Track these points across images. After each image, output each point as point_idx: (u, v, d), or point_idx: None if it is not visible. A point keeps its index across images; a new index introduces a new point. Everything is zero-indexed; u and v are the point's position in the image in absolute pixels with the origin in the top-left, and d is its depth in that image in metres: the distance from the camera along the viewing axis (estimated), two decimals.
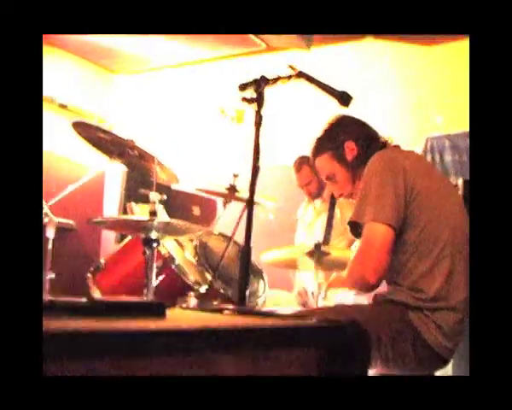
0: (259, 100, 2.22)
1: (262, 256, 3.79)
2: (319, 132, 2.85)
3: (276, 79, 2.35)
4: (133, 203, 3.40)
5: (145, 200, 3.37)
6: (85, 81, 6.87)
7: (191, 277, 3.07)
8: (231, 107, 6.35)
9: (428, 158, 5.71)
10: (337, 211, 4.71)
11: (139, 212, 3.35)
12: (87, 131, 3.01)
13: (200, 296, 3.09)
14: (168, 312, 0.90)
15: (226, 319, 0.90)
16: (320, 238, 4.62)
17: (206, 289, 3.12)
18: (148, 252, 2.56)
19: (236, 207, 3.92)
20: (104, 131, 2.99)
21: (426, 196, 2.54)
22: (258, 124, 2.21)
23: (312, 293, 4.70)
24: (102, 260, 3.18)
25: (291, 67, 2.48)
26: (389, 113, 5.81)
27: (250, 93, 2.23)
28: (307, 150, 2.92)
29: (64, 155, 6.58)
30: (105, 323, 0.74)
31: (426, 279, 2.49)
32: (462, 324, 2.51)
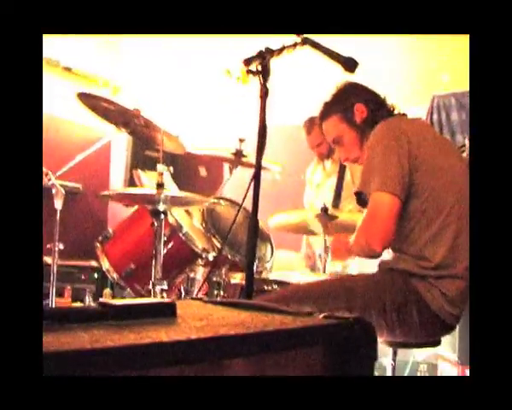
0: (265, 72, 2.20)
1: (269, 220, 3.79)
2: (327, 96, 2.85)
3: (281, 50, 2.32)
4: (140, 171, 3.40)
5: (152, 166, 3.39)
6: (90, 43, 6.82)
7: (199, 244, 3.09)
8: (237, 67, 6.31)
9: (435, 116, 5.70)
10: (347, 172, 4.71)
11: (146, 180, 3.36)
12: (92, 101, 3.00)
13: (208, 264, 3.12)
14: (178, 309, 0.91)
15: (234, 319, 0.91)
16: (329, 200, 4.64)
17: (214, 257, 3.14)
18: (156, 223, 2.56)
19: (242, 172, 3.93)
20: (109, 102, 2.98)
21: (430, 165, 2.55)
22: (263, 97, 2.20)
23: (320, 256, 4.74)
24: (110, 230, 3.19)
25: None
26: (396, 72, 5.76)
27: (255, 66, 2.21)
28: (315, 110, 2.91)
29: (69, 119, 6.58)
30: (115, 334, 0.75)
31: (430, 247, 2.51)
32: (467, 291, 2.53)
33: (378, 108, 2.77)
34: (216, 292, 2.80)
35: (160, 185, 2.55)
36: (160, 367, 0.70)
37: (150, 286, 2.57)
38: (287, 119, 6.02)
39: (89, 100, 2.99)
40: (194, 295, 2.87)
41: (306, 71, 6.00)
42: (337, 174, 4.74)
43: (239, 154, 3.82)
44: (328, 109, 2.83)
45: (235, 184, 3.96)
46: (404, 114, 2.82)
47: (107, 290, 5.32)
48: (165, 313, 0.86)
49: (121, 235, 3.19)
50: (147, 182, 3.39)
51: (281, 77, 2.37)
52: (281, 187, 5.10)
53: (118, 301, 0.87)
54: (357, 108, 2.75)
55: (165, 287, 2.63)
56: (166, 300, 0.88)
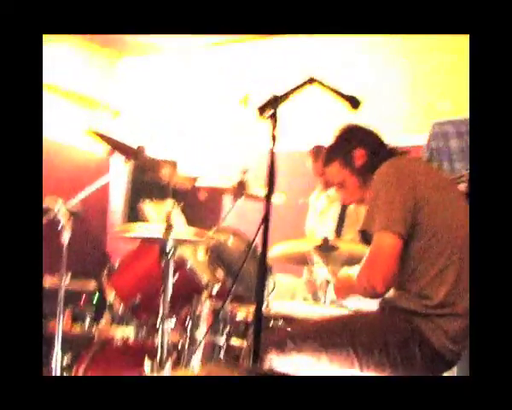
0: (274, 121, 2.26)
1: (269, 251, 3.83)
2: (329, 141, 2.93)
3: (288, 94, 2.38)
4: (146, 203, 3.45)
5: (155, 193, 3.45)
6: (89, 66, 6.88)
7: (204, 277, 3.14)
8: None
9: (433, 144, 5.74)
10: None
11: (153, 212, 3.41)
12: (100, 137, 3.06)
13: (212, 296, 3.16)
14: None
15: None
16: (332, 228, 4.70)
17: (218, 288, 3.19)
18: (164, 260, 2.62)
19: (245, 203, 3.99)
20: (114, 140, 3.04)
21: (433, 206, 2.61)
22: (273, 142, 2.26)
23: (321, 285, 4.78)
24: (117, 262, 3.24)
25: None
26: (397, 100, 5.83)
27: (267, 113, 2.27)
28: (319, 138, 2.98)
29: (72, 145, 6.63)
30: None
31: (433, 286, 2.57)
32: (467, 330, 2.58)
33: (378, 151, 2.84)
34: (222, 327, 2.85)
35: (168, 225, 2.61)
36: None
37: (158, 324, 2.62)
38: (288, 145, 6.08)
39: (97, 136, 3.05)
40: (201, 331, 2.92)
41: (310, 99, 6.08)
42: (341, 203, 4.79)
43: (242, 185, 3.87)
44: (330, 155, 2.92)
45: (237, 213, 4.02)
46: (405, 153, 2.89)
47: (107, 314, 5.35)
48: None
49: (128, 267, 3.24)
50: (152, 214, 3.44)
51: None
52: (281, 214, 5.15)
53: None
54: (357, 153, 2.83)
55: (172, 325, 2.69)
56: None
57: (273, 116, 2.26)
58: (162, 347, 2.59)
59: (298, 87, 2.44)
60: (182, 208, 3.54)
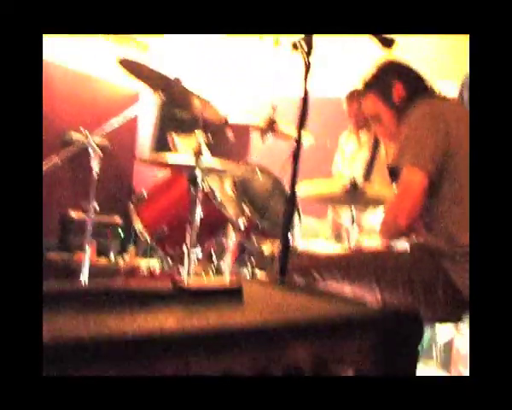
0: (308, 49, 2.24)
1: (297, 188, 3.84)
2: (367, 73, 2.88)
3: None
4: (174, 135, 3.46)
5: (183, 128, 3.45)
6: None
7: (230, 211, 3.16)
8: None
9: (466, 96, 5.67)
10: (381, 146, 4.72)
11: (181, 144, 3.42)
12: (132, 67, 3.05)
13: (238, 229, 3.19)
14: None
15: (296, 303, 0.98)
16: (360, 172, 4.68)
17: (244, 223, 3.21)
18: (192, 190, 2.63)
19: (273, 141, 3.98)
20: (149, 69, 3.03)
21: (465, 152, 2.58)
22: (306, 71, 2.24)
23: (346, 229, 4.79)
24: (144, 192, 3.26)
25: None
26: (426, 46, 5.73)
27: (299, 42, 2.25)
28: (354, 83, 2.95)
29: (102, 78, 6.62)
30: (195, 317, 0.81)
31: (460, 227, 2.56)
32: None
33: (417, 88, 2.79)
34: (247, 259, 2.87)
35: (198, 153, 2.61)
36: (234, 349, 0.77)
37: (185, 251, 2.64)
38: (318, 91, 6.04)
39: (129, 66, 3.04)
40: (226, 262, 2.95)
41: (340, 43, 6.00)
42: (371, 147, 4.75)
43: (271, 122, 3.86)
44: (367, 87, 2.87)
45: (265, 151, 4.02)
46: (444, 97, 2.84)
47: (132, 247, 5.42)
48: (234, 296, 0.93)
49: (155, 197, 3.26)
50: (180, 146, 3.45)
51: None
52: (309, 154, 5.14)
53: (191, 283, 0.93)
54: (396, 87, 2.78)
55: (200, 255, 2.72)
56: (233, 284, 0.94)
57: (307, 45, 2.24)
58: (188, 275, 2.62)
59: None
60: (210, 144, 3.55)
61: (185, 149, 3.41)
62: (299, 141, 2.22)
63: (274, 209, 3.52)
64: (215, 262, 2.95)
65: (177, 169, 3.04)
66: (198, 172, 2.63)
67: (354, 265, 2.63)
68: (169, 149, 3.36)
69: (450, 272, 2.56)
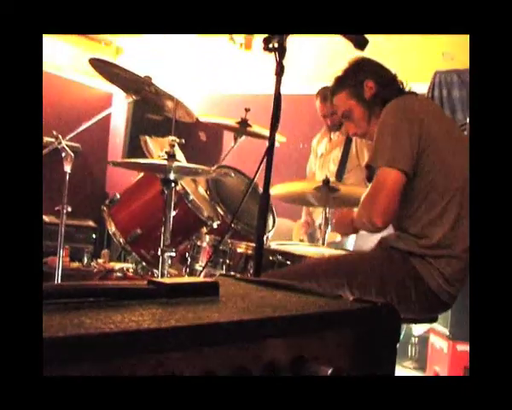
0: (281, 50, 2.24)
1: (272, 190, 3.84)
2: (339, 71, 2.90)
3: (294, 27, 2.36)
4: (147, 137, 3.45)
5: (155, 130, 3.44)
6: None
7: (204, 212, 3.15)
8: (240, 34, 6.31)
9: (436, 93, 5.72)
10: (353, 145, 4.76)
11: (154, 147, 3.41)
12: (104, 67, 3.04)
13: (212, 231, 3.18)
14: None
15: (273, 300, 0.98)
16: (333, 171, 4.71)
17: (218, 224, 3.21)
18: (166, 192, 2.62)
19: (247, 141, 3.99)
20: (121, 69, 3.02)
21: (438, 148, 2.61)
22: (279, 74, 2.25)
23: (319, 226, 4.81)
24: (118, 194, 3.24)
25: None
26: (397, 49, 5.78)
27: (272, 43, 2.25)
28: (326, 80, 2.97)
29: (74, 79, 6.58)
30: (174, 313, 0.81)
31: (431, 227, 2.58)
32: (465, 271, 2.60)
33: (388, 85, 2.82)
34: (221, 260, 2.87)
35: (171, 156, 2.60)
36: (211, 345, 0.77)
37: (159, 253, 2.64)
38: (289, 88, 6.04)
39: (101, 66, 3.02)
40: (200, 263, 2.94)
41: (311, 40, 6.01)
42: (343, 146, 4.79)
43: (245, 123, 3.87)
44: (339, 84, 2.89)
45: (238, 152, 4.02)
46: (414, 93, 2.87)
47: (106, 251, 5.39)
48: (210, 292, 0.93)
49: (128, 199, 3.25)
50: (153, 148, 3.44)
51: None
52: (283, 156, 5.15)
53: (167, 280, 0.93)
54: (367, 84, 2.81)
55: (173, 254, 2.70)
56: (209, 279, 0.94)
57: (280, 47, 2.24)
58: (162, 275, 2.61)
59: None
60: (182, 145, 3.55)
61: (158, 151, 3.40)
62: (272, 140, 2.22)
63: (247, 210, 3.52)
64: (189, 264, 2.94)
65: (149, 172, 3.03)
66: (172, 175, 2.62)
67: (325, 273, 2.63)
68: (142, 152, 3.34)
69: (421, 272, 2.57)
